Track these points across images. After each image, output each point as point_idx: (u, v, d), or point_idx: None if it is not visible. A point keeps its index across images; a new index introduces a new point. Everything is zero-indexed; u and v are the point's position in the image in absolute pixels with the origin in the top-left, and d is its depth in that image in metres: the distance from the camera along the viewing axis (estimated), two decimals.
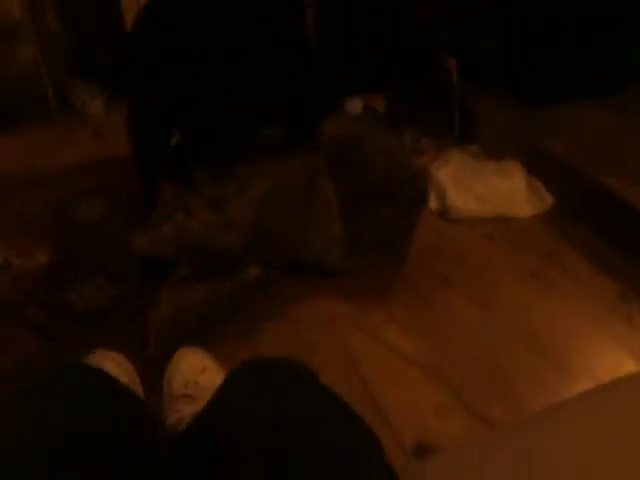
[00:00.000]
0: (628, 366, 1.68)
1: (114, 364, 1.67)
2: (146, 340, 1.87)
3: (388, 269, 2.10)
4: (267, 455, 0.79)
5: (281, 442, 0.80)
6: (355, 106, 3.11)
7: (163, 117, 2.55)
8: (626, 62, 2.61)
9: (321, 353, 1.80)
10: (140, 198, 2.51)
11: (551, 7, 2.51)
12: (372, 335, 1.84)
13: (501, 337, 1.80)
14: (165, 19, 2.13)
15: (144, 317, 1.98)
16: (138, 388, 1.66)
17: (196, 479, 0.86)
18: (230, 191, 2.11)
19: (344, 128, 2.38)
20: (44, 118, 3.52)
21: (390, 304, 1.95)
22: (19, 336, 1.98)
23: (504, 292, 1.98)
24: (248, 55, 2.00)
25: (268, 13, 2.05)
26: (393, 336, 1.83)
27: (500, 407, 1.58)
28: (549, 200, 2.32)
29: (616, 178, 2.13)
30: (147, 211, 2.41)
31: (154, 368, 1.75)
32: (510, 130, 2.60)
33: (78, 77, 3.55)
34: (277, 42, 2.04)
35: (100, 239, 2.43)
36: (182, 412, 1.50)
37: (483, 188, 2.36)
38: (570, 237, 2.16)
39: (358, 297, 2.00)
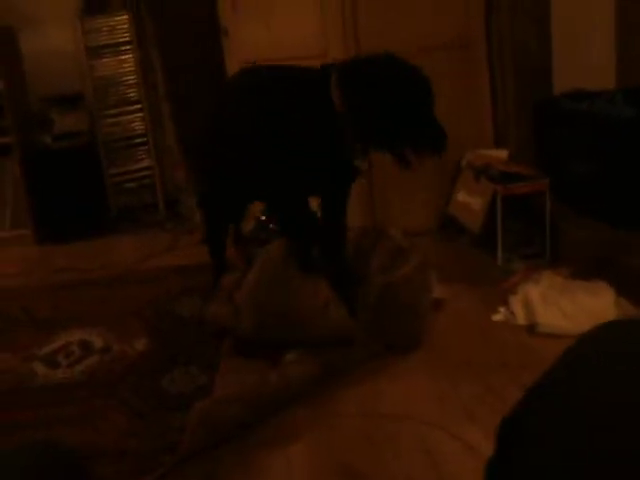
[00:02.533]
0: None
1: None
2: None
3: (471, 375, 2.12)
4: None
5: None
6: None
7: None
8: None
9: (401, 449, 1.81)
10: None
11: None
12: (452, 433, 1.84)
13: None
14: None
15: None
16: None
17: None
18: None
19: None
20: (155, 224, 3.74)
21: (472, 406, 1.96)
22: (110, 414, 2.07)
23: None
24: None
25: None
26: (473, 436, 1.82)
27: None
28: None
29: None
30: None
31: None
32: (600, 252, 2.63)
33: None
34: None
35: (196, 333, 2.53)
36: None
37: (571, 306, 2.37)
38: None
39: (439, 397, 2.03)
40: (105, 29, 3.96)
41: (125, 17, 3.94)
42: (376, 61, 2.20)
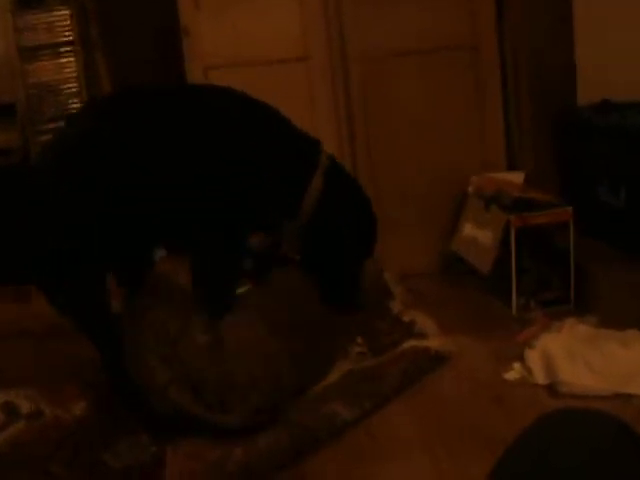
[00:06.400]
0: None
1: None
2: None
3: None
4: None
5: None
6: None
7: None
8: None
9: None
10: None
11: None
12: None
13: None
14: None
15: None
16: None
17: None
18: None
19: None
20: None
21: None
22: None
23: None
24: None
25: None
26: None
27: None
28: None
29: None
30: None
31: None
32: (635, 296, 2.62)
33: None
34: None
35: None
36: None
37: (600, 360, 2.36)
38: None
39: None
40: (42, 26, 3.95)
41: (66, 13, 3.93)
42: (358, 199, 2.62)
